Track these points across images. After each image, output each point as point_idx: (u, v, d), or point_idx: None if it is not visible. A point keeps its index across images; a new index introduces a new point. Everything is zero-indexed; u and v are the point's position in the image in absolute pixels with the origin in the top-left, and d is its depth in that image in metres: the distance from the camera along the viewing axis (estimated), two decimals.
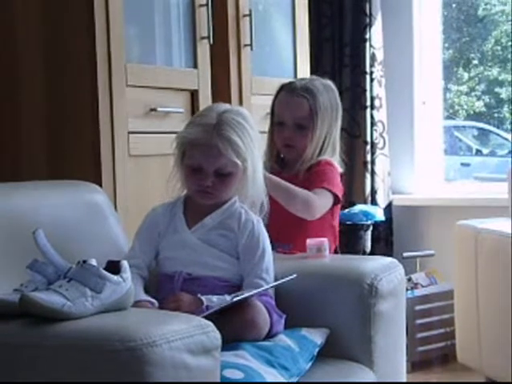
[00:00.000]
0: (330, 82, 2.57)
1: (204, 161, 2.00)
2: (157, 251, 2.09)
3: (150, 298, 1.93)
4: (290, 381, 1.80)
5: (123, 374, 1.38)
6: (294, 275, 2.01)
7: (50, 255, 1.53)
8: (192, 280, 1.99)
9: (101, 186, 2.40)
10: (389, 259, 2.23)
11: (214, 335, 1.50)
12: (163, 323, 1.45)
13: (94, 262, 1.53)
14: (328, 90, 2.53)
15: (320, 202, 2.39)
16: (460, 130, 5.14)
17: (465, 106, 4.90)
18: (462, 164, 5.13)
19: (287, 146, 2.50)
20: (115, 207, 2.39)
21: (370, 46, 3.87)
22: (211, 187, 2.01)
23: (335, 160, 2.52)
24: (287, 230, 2.41)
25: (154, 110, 2.65)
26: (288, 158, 2.54)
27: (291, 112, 2.49)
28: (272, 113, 2.56)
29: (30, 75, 2.56)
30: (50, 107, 2.55)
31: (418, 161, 4.08)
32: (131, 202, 2.53)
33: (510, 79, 4.35)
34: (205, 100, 2.82)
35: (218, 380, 1.51)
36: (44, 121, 2.56)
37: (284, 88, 2.54)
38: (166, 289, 2.00)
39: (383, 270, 2.11)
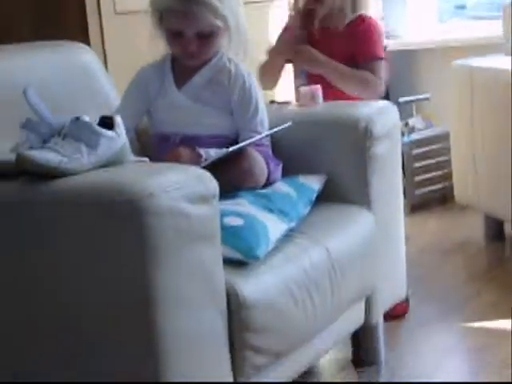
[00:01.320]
0: None
1: (183, 26, 1.94)
2: (145, 112, 2.08)
3: (139, 158, 1.93)
4: (289, 225, 1.84)
5: (123, 227, 1.40)
6: (289, 123, 2.02)
7: (43, 113, 1.52)
8: (189, 140, 1.99)
9: (89, 45, 2.37)
10: (383, 102, 2.22)
11: (212, 184, 1.50)
12: (160, 174, 1.45)
13: (87, 118, 1.52)
14: None
15: (382, 78, 2.34)
16: None
17: None
18: (457, 6, 5.02)
19: None
20: (105, 66, 2.37)
21: None
22: (196, 50, 1.97)
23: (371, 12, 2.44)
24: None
25: None
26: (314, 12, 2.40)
27: None
28: None
29: None
30: None
31: (410, 3, 4.00)
32: (121, 60, 2.51)
33: None
34: None
35: (218, 227, 1.53)
36: None
37: None
38: (163, 148, 2.00)
39: (377, 113, 2.11)
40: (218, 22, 1.94)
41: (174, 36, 1.98)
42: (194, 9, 1.91)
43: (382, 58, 2.36)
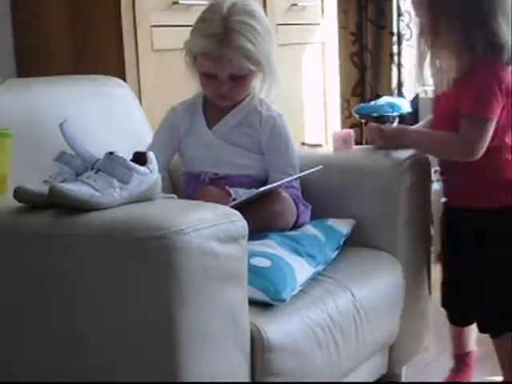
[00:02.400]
0: None
1: (217, 69, 1.95)
2: (176, 150, 2.09)
3: (166, 194, 1.93)
4: (316, 268, 1.83)
5: (152, 262, 1.40)
6: (320, 166, 2.01)
7: (78, 147, 1.53)
8: (219, 179, 2.00)
9: (125, 81, 2.39)
10: (414, 151, 2.21)
11: (241, 223, 1.50)
12: (190, 212, 1.46)
13: (120, 153, 1.53)
14: None
15: (471, 138, 2.01)
16: None
17: None
18: None
19: None
20: (140, 102, 2.39)
21: None
22: (228, 92, 1.98)
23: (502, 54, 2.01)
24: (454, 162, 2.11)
25: (176, 2, 2.61)
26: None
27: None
28: None
29: None
30: (72, 3, 2.53)
31: None
32: (156, 97, 2.53)
33: None
34: None
35: (246, 267, 1.53)
36: (66, 17, 2.54)
37: None
38: (192, 187, 2.01)
39: (408, 160, 2.11)
40: (252, 66, 1.96)
41: (207, 78, 1.99)
42: (228, 53, 1.92)
43: (478, 117, 2.00)
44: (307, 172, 2.00)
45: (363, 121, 2.47)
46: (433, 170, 3.49)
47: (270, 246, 1.80)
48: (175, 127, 2.08)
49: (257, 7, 2.01)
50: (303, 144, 2.45)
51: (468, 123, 2.01)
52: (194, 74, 2.02)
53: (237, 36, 1.92)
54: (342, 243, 1.99)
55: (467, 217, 2.14)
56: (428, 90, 3.98)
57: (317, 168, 2.00)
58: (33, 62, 2.59)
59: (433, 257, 3.01)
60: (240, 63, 1.93)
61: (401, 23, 3.81)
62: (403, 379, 2.14)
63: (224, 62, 1.93)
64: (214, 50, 1.93)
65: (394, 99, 3.77)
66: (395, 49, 3.81)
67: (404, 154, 2.15)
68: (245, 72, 1.96)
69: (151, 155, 1.58)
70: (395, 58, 3.81)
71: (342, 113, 3.70)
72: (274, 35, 2.03)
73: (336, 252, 1.96)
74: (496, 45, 2.01)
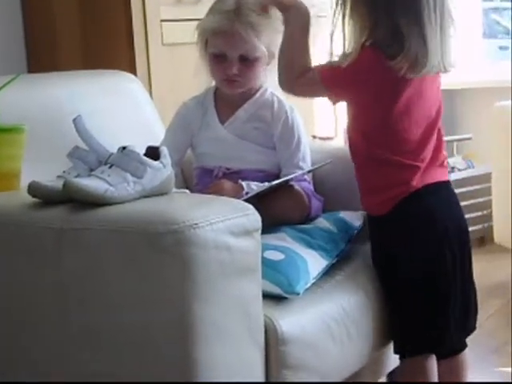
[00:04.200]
0: None
1: (227, 48, 1.94)
2: (189, 146, 2.09)
3: (179, 190, 1.93)
4: (329, 261, 1.83)
5: (166, 256, 1.40)
6: (330, 160, 2.02)
7: (91, 142, 1.54)
8: (231, 174, 2.00)
9: (136, 75, 2.40)
10: None
11: (254, 217, 1.50)
12: (205, 206, 1.46)
13: (134, 148, 1.53)
14: None
15: (304, 77, 1.85)
16: (498, 12, 5.01)
17: None
18: (500, 47, 5.02)
19: None
20: (151, 96, 2.39)
21: None
22: (238, 75, 1.97)
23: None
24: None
25: None
26: None
27: None
28: None
29: None
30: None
31: (454, 43, 4.00)
32: (166, 91, 2.53)
33: None
34: None
35: (260, 260, 1.53)
36: (76, 13, 2.55)
37: None
38: (205, 181, 2.01)
39: None
40: (261, 46, 1.95)
41: (216, 60, 1.97)
42: (239, 29, 1.92)
43: (323, 78, 1.83)
44: (317, 166, 2.00)
45: None
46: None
47: (283, 239, 1.80)
48: (187, 122, 2.08)
49: None
50: (314, 137, 2.45)
51: (314, 70, 1.85)
52: (205, 61, 2.01)
53: (249, 12, 1.92)
54: (354, 236, 1.98)
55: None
56: None
57: (327, 161, 2.00)
58: (43, 58, 2.60)
59: None
60: (249, 41, 1.92)
61: None
62: None
63: (235, 39, 1.93)
64: (226, 26, 1.92)
65: None
66: None
67: None
68: (254, 53, 1.95)
69: (164, 150, 1.58)
70: None
71: None
72: None
73: (348, 245, 1.95)
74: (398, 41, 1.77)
